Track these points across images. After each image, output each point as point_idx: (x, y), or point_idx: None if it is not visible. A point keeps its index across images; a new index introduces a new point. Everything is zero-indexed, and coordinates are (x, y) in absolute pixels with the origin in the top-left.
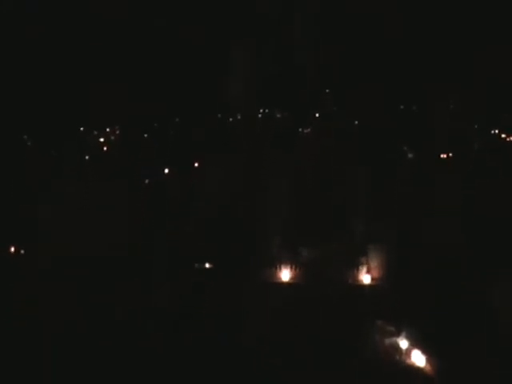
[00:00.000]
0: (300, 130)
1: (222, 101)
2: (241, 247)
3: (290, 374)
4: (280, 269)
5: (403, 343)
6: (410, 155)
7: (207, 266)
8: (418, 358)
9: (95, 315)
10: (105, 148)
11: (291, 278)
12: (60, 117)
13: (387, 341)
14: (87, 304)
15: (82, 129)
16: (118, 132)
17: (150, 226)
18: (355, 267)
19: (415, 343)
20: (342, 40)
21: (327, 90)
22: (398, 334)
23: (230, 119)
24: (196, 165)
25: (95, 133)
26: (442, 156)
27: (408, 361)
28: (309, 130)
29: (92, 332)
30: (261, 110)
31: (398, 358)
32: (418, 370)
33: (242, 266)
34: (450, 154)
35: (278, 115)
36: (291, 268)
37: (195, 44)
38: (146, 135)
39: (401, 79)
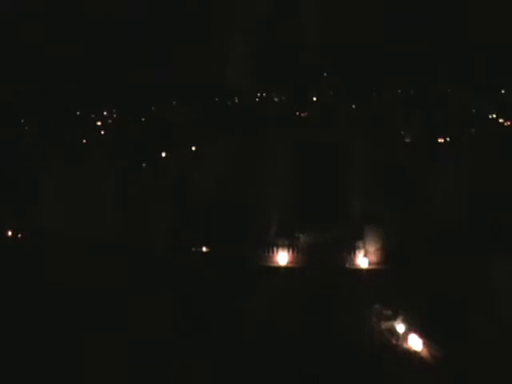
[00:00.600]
0: (297, 113)
1: (219, 85)
2: (238, 231)
3: (286, 356)
4: (277, 253)
5: (400, 327)
6: (407, 139)
7: (204, 249)
8: (415, 342)
9: (91, 299)
10: (102, 132)
11: (288, 262)
12: (57, 100)
13: (384, 325)
14: (83, 288)
15: (78, 113)
16: (115, 115)
17: (147, 210)
18: (352, 251)
19: (412, 327)
20: (341, 23)
21: (325, 74)
22: (394, 318)
23: (228, 103)
24: (193, 148)
25: (92, 116)
26: (439, 140)
27: (405, 345)
28: (306, 113)
29: (88, 316)
30: (258, 94)
31: (394, 342)
32: (414, 353)
33: (239, 249)
34: (448, 139)
35: (276, 99)
36: (288, 252)
37: (193, 27)
38: (143, 119)
39: (399, 63)
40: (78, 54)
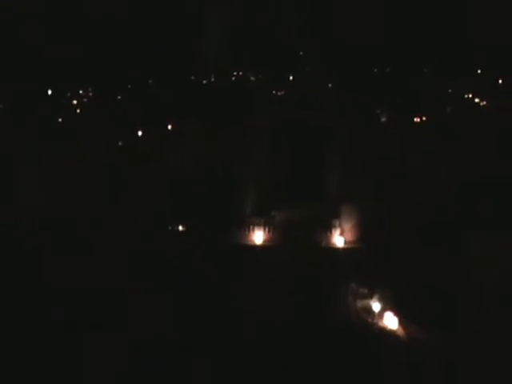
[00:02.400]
0: (274, 92)
1: (195, 63)
2: (214, 210)
3: (261, 336)
4: (253, 231)
5: (376, 306)
6: (383, 118)
7: (180, 228)
8: (391, 321)
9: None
10: (78, 110)
11: (264, 241)
12: (31, 78)
13: (360, 303)
14: (61, 265)
15: (50, 92)
16: (90, 94)
17: (122, 188)
18: (328, 230)
19: (388, 306)
20: (317, 2)
21: (301, 53)
22: (370, 297)
23: (204, 81)
24: (169, 127)
25: (68, 94)
26: (415, 119)
27: (380, 323)
28: (283, 92)
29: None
30: (234, 73)
31: (370, 320)
32: (390, 332)
33: (215, 228)
34: (424, 118)
35: (252, 78)
36: (264, 231)
37: (169, 6)
38: (119, 97)
39: (375, 41)
40: (54, 33)
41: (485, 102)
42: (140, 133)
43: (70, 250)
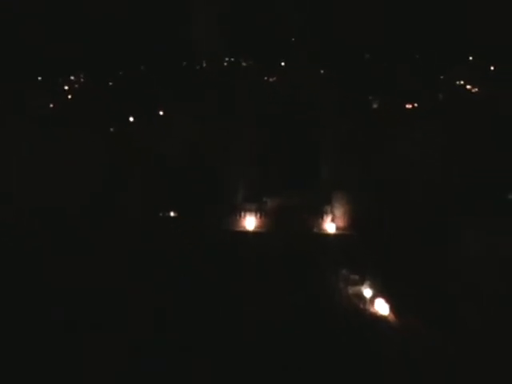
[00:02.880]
0: (266, 78)
1: (187, 49)
2: (206, 196)
3: (252, 322)
4: (245, 217)
5: (367, 292)
6: (374, 105)
7: (172, 214)
8: (382, 307)
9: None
10: (69, 96)
11: (256, 227)
12: (23, 64)
13: (351, 289)
14: (54, 252)
15: (40, 78)
16: (82, 80)
17: (114, 175)
18: (320, 216)
19: (379, 292)
20: None
21: (293, 39)
22: (362, 283)
23: (197, 67)
24: (161, 113)
25: (59, 80)
26: (407, 106)
27: (372, 309)
28: (275, 78)
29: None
30: (226, 59)
31: (361, 306)
32: (381, 318)
33: (206, 214)
34: (416, 104)
35: (244, 64)
36: (256, 216)
37: None
38: (110, 83)
39: (367, 29)
40: (47, 20)
41: (476, 89)
42: (131, 119)
43: (62, 239)
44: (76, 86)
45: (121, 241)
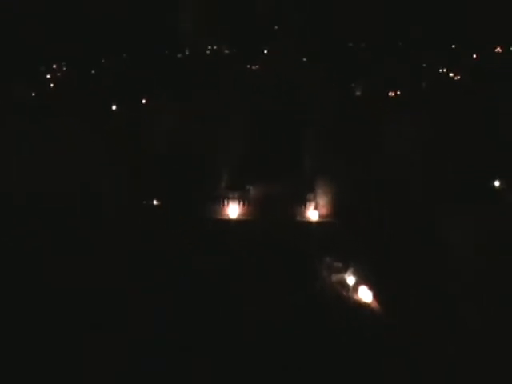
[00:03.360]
0: (248, 66)
1: (169, 37)
2: (189, 184)
3: (236, 309)
4: (228, 205)
5: (350, 279)
6: (357, 92)
7: (155, 202)
8: (365, 294)
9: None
10: (51, 84)
11: (239, 215)
12: (5, 54)
13: (334, 277)
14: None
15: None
16: (64, 68)
17: (98, 163)
18: (303, 204)
19: (362, 279)
20: None
21: (276, 27)
22: (345, 271)
23: (179, 55)
24: (144, 101)
25: (42, 69)
26: (389, 94)
27: (355, 297)
28: (257, 66)
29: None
30: (209, 47)
31: (345, 294)
32: (364, 305)
33: (190, 202)
34: (398, 92)
35: (226, 51)
36: (239, 204)
37: None
38: (93, 71)
39: (350, 17)
40: (26, 8)
41: (459, 77)
42: (114, 107)
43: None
44: (58, 74)
45: (109, 231)
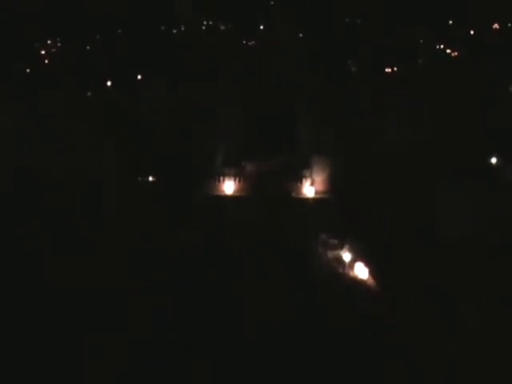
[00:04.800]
0: (244, 42)
1: (165, 12)
2: (185, 160)
3: (235, 284)
4: (224, 182)
5: (346, 256)
6: (353, 68)
7: (150, 179)
8: (361, 271)
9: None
10: (46, 60)
11: (235, 191)
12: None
13: (330, 254)
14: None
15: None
16: (59, 44)
17: (92, 140)
18: (299, 180)
19: (358, 256)
20: None
21: (272, 2)
22: (341, 247)
23: (174, 31)
24: (139, 77)
25: (36, 45)
26: (386, 70)
27: (351, 273)
28: (253, 42)
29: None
30: (204, 22)
31: (341, 270)
32: (360, 282)
33: (185, 179)
34: (395, 69)
35: (222, 27)
36: (235, 181)
37: None
38: (88, 47)
39: None
40: None
41: (456, 53)
42: (109, 83)
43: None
44: (53, 50)
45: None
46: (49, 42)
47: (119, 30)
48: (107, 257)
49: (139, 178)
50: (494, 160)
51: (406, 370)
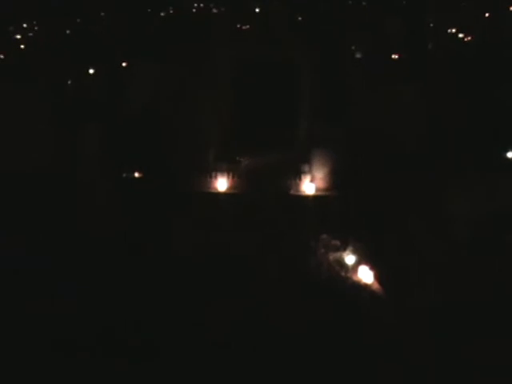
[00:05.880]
0: (238, 26)
1: None
2: (174, 155)
3: (227, 286)
4: (216, 178)
5: (349, 259)
6: (357, 55)
7: (136, 175)
8: (366, 274)
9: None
10: (22, 46)
11: (228, 188)
12: None
13: (332, 256)
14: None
15: None
16: (36, 28)
17: (74, 132)
18: (298, 176)
19: (362, 259)
20: None
21: None
22: (343, 249)
23: (162, 14)
24: (124, 64)
25: (11, 29)
26: (393, 56)
27: (355, 277)
28: (248, 26)
29: None
30: (195, 5)
31: (343, 274)
32: (365, 286)
33: (174, 175)
34: (402, 54)
35: (214, 10)
36: (228, 177)
37: None
38: (68, 31)
39: None
40: None
41: (469, 38)
42: (91, 71)
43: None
44: (30, 34)
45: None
46: (24, 25)
47: (102, 13)
48: (92, 259)
49: (124, 175)
50: (510, 154)
51: (412, 376)
